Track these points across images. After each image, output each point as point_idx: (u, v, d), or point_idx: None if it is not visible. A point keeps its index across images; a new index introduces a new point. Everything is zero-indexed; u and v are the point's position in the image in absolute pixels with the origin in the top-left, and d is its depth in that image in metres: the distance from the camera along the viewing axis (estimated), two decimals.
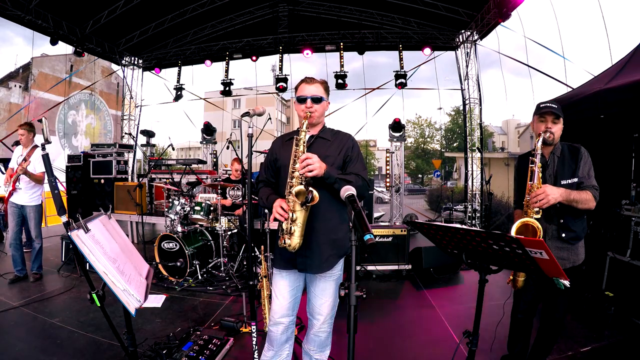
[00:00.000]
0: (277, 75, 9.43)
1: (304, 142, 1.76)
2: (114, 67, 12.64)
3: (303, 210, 1.70)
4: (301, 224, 1.71)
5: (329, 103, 1.97)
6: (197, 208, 4.49)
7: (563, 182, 2.00)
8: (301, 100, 1.86)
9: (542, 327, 2.17)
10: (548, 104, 2.03)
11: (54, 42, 7.72)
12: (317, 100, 1.85)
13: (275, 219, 1.74)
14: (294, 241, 1.71)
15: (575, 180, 1.99)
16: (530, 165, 1.96)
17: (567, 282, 1.33)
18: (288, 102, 38.10)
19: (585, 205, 1.91)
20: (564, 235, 2.01)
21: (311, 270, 1.86)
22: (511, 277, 2.06)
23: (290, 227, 1.70)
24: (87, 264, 1.37)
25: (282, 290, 1.92)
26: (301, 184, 1.69)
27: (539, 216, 1.89)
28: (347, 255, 1.68)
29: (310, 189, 1.65)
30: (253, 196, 2.96)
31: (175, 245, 4.15)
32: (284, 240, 1.73)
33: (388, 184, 8.08)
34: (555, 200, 1.85)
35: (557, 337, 2.16)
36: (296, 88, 1.94)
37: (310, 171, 1.64)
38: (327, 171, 1.69)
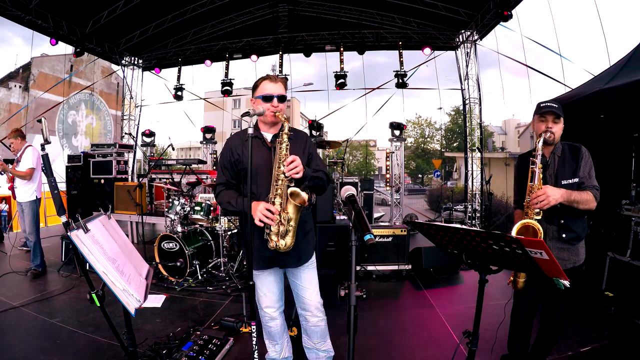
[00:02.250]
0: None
1: (286, 145, 1.76)
2: (114, 67, 12.64)
3: (297, 210, 1.74)
4: (295, 224, 1.75)
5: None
6: (197, 208, 4.49)
7: (564, 182, 1.99)
8: (267, 98, 1.81)
9: (542, 328, 2.17)
10: (548, 104, 2.03)
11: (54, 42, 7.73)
12: (282, 99, 1.85)
13: (264, 223, 1.71)
14: (288, 241, 1.75)
15: (576, 180, 1.98)
16: (531, 166, 1.95)
17: (567, 282, 1.32)
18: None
19: (586, 205, 1.91)
20: (564, 235, 2.00)
21: (292, 265, 1.94)
22: (512, 278, 2.06)
23: (286, 229, 1.74)
24: (87, 264, 1.37)
25: (270, 287, 1.99)
26: (289, 186, 1.73)
27: (539, 217, 1.89)
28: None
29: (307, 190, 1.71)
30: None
31: (175, 245, 4.15)
32: (275, 243, 1.75)
33: (388, 184, 8.09)
34: (556, 201, 1.85)
35: (557, 338, 2.16)
36: (256, 85, 1.88)
37: (297, 173, 1.69)
38: (305, 170, 1.76)
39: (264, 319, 2.03)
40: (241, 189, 1.90)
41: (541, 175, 1.94)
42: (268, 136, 1.90)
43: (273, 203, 1.73)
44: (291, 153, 1.80)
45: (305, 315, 2.01)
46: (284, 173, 1.70)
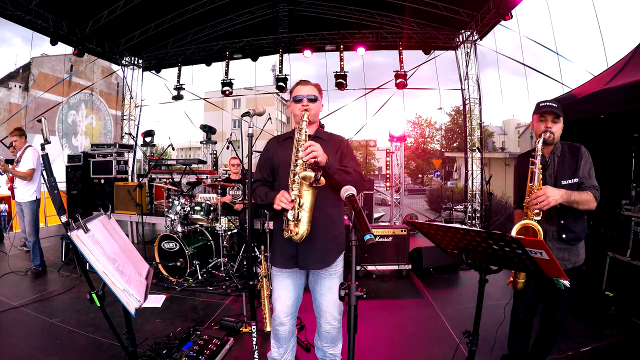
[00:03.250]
0: (277, 75, 9.44)
1: (306, 132, 1.81)
2: (114, 67, 12.64)
3: (310, 193, 1.72)
4: (309, 208, 1.73)
5: (322, 105, 2.05)
6: (197, 208, 4.49)
7: (563, 182, 1.98)
8: (298, 100, 1.94)
9: (542, 328, 2.17)
10: (548, 103, 2.02)
11: (53, 43, 7.73)
12: (312, 99, 1.93)
13: (283, 209, 1.75)
14: (302, 228, 1.73)
15: (576, 180, 1.97)
16: (530, 166, 1.94)
17: (567, 282, 1.33)
18: (288, 102, 38.03)
19: (586, 206, 1.90)
20: (564, 236, 2.00)
21: (313, 267, 1.90)
22: (511, 279, 2.06)
23: (298, 214, 1.72)
24: (87, 264, 1.37)
25: (285, 290, 1.96)
26: (306, 170, 1.73)
27: (539, 218, 1.88)
28: (347, 254, 1.70)
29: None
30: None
31: (175, 245, 4.15)
32: (289, 231, 1.74)
33: (388, 184, 8.08)
34: (556, 202, 1.84)
35: (557, 338, 2.16)
36: (291, 91, 2.03)
37: (315, 157, 1.69)
38: (329, 161, 1.75)
39: (274, 321, 2.02)
40: (274, 186, 1.96)
41: (541, 176, 1.93)
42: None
43: (291, 189, 1.75)
44: (325, 153, 1.82)
45: (319, 320, 2.00)
46: (301, 158, 1.73)
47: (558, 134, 2.03)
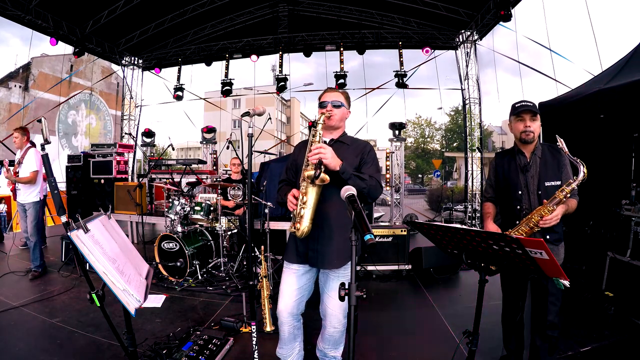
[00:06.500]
0: (277, 75, 9.44)
1: (320, 133, 1.84)
2: (114, 67, 12.64)
3: (314, 192, 1.74)
4: (312, 205, 1.75)
5: (349, 112, 2.08)
6: (197, 208, 4.49)
7: (547, 184, 2.00)
8: (323, 105, 1.99)
9: (535, 330, 2.14)
10: (524, 103, 2.03)
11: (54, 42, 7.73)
12: (337, 105, 1.98)
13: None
14: (304, 224, 1.75)
15: (559, 183, 1.97)
16: (558, 196, 1.90)
17: (567, 283, 1.33)
18: (288, 102, 38.12)
19: (573, 212, 1.95)
20: (548, 237, 2.00)
21: (322, 265, 1.90)
22: None
23: (301, 210, 1.75)
24: (87, 264, 1.37)
25: (288, 289, 1.96)
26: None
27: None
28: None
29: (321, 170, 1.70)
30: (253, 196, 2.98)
31: (175, 245, 4.15)
32: (294, 226, 1.79)
33: (388, 184, 8.08)
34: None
35: (555, 340, 2.12)
36: (319, 97, 2.08)
37: (320, 158, 1.69)
38: (343, 166, 1.75)
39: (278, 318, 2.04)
40: (296, 186, 2.00)
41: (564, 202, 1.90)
42: (327, 140, 2.01)
43: (301, 187, 1.79)
44: (345, 156, 1.85)
45: (324, 323, 2.00)
46: (308, 157, 1.76)
47: (537, 132, 2.04)
